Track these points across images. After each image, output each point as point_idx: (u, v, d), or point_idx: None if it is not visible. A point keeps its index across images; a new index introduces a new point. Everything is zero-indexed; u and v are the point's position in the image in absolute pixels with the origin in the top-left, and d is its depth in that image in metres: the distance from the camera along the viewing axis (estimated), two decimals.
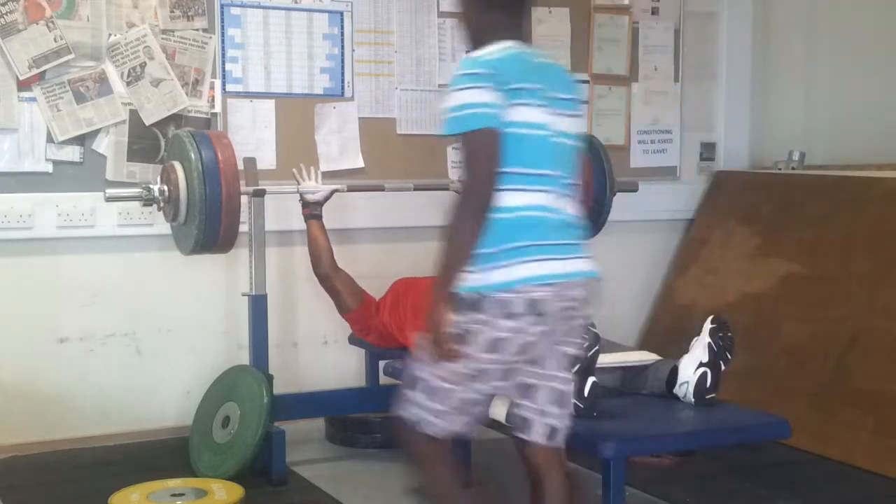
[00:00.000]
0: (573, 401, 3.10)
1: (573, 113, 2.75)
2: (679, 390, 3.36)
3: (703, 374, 3.32)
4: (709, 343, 3.34)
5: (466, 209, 2.55)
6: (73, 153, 4.53)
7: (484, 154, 2.55)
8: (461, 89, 2.57)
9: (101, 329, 4.64)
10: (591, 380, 3.14)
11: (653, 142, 5.72)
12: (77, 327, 4.60)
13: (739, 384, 4.36)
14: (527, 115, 2.60)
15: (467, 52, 2.78)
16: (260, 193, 4.34)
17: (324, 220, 4.43)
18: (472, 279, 2.58)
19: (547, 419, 2.75)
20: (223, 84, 4.77)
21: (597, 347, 3.16)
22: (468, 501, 2.84)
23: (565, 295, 2.65)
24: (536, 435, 2.77)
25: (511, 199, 2.60)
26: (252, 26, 4.82)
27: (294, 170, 4.47)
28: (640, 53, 5.64)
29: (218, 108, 4.76)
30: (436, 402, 2.67)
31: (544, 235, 2.64)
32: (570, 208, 2.73)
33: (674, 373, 3.38)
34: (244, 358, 4.49)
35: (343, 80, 5.00)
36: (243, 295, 4.39)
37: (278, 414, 4.26)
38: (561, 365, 2.74)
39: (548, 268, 2.62)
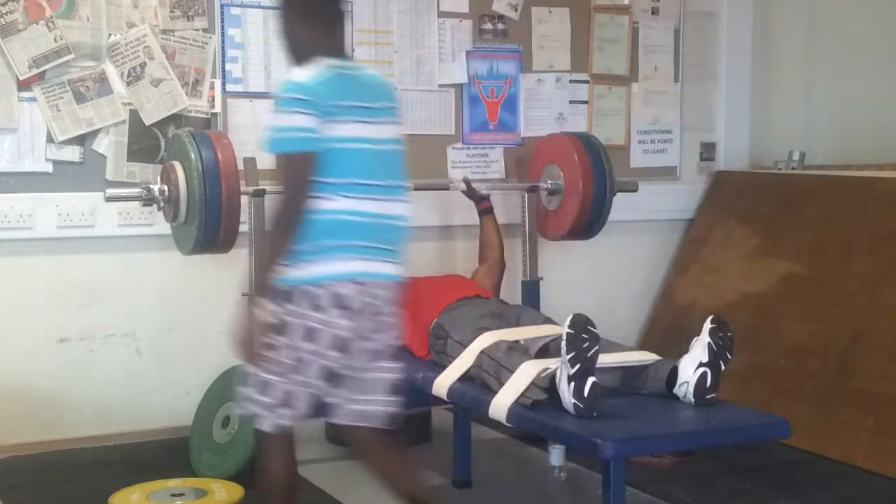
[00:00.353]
0: (573, 401, 3.12)
1: (393, 120, 2.98)
2: (679, 390, 3.36)
3: (703, 374, 3.31)
4: (709, 343, 3.34)
5: (282, 222, 2.84)
6: (73, 153, 4.53)
7: (298, 174, 2.82)
8: (284, 112, 2.82)
9: (101, 329, 4.64)
10: (591, 380, 3.13)
11: (653, 142, 5.72)
12: (77, 327, 4.60)
13: (739, 384, 4.36)
14: (346, 131, 2.85)
15: (290, 66, 3.00)
16: (260, 193, 4.34)
17: None
18: (286, 273, 2.84)
19: (361, 405, 2.96)
20: (223, 84, 4.77)
21: (597, 347, 3.16)
22: (293, 496, 3.01)
23: (370, 292, 2.87)
24: (345, 418, 2.97)
25: (329, 205, 2.85)
26: (252, 26, 4.82)
27: None
28: (640, 53, 5.64)
29: (218, 108, 4.76)
30: (265, 396, 2.88)
31: (354, 238, 2.88)
32: (394, 212, 2.95)
33: (674, 373, 3.38)
34: None
35: None
36: (243, 295, 4.39)
37: None
38: (374, 357, 2.95)
39: (353, 267, 2.85)
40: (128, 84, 4.57)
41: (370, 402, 2.99)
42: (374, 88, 2.99)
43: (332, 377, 2.93)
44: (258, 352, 2.83)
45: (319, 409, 2.97)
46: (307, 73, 2.88)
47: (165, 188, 4.07)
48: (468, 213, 4.87)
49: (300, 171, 2.82)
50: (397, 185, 2.99)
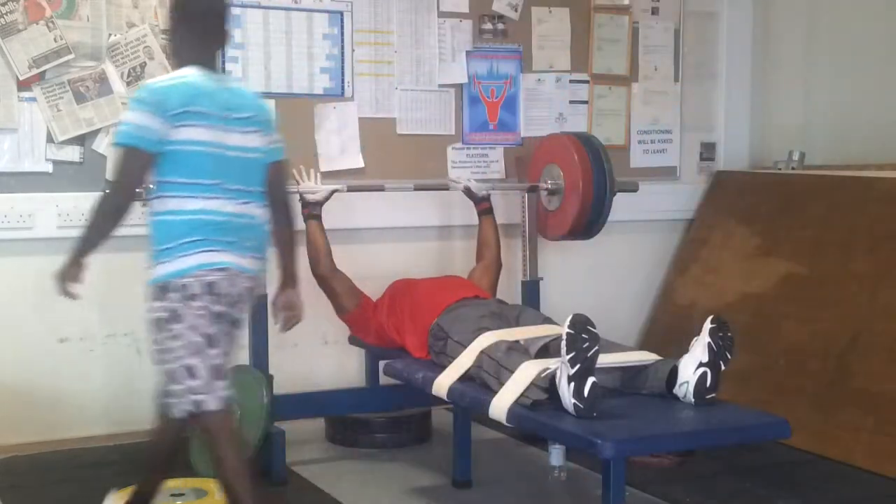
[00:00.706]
0: (573, 401, 3.13)
1: (251, 130, 3.19)
2: (679, 390, 3.36)
3: (703, 374, 3.32)
4: (709, 343, 3.34)
5: (103, 208, 3.09)
6: (73, 153, 4.53)
7: (127, 167, 3.08)
8: (130, 111, 3.11)
9: (101, 329, 4.64)
10: (590, 380, 3.14)
11: (653, 142, 5.72)
12: (77, 327, 4.60)
13: (739, 384, 4.36)
14: (194, 135, 3.08)
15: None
16: None
17: (324, 220, 4.43)
18: (158, 271, 3.08)
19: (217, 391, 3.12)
20: None
21: (597, 347, 3.16)
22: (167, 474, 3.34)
23: (236, 282, 3.11)
24: (211, 404, 3.10)
25: (184, 204, 3.08)
26: (252, 26, 4.82)
27: (294, 170, 4.47)
28: (640, 53, 5.64)
29: None
30: (198, 378, 3.08)
31: (214, 233, 3.10)
32: (248, 212, 3.17)
33: (674, 373, 3.38)
34: (244, 358, 4.49)
35: (343, 80, 5.00)
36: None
37: (278, 414, 4.26)
38: (232, 344, 3.18)
39: (217, 257, 3.08)
40: (128, 84, 4.57)
41: (226, 387, 3.16)
42: (235, 100, 3.19)
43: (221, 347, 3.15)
44: (69, 292, 3.13)
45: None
46: (161, 80, 3.19)
47: None
48: (468, 213, 4.87)
49: (131, 164, 3.07)
50: (251, 190, 3.21)
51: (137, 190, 3.16)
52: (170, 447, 3.34)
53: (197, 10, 3.24)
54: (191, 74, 3.15)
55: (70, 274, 3.12)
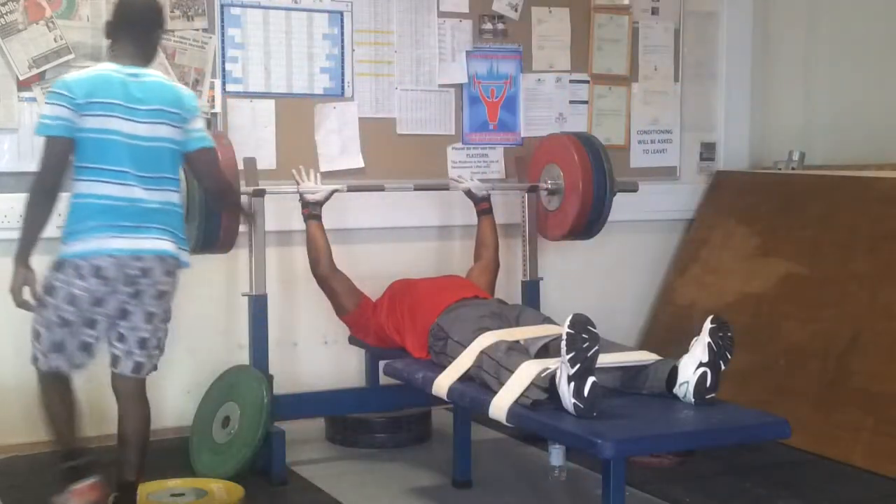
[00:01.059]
0: (573, 401, 3.13)
1: (155, 121, 3.41)
2: (679, 390, 3.36)
3: (703, 374, 3.32)
4: (709, 343, 3.34)
5: (33, 195, 3.37)
6: None
7: (50, 155, 3.35)
8: (47, 103, 3.37)
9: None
10: (590, 380, 3.13)
11: (653, 142, 5.72)
12: None
13: (739, 384, 4.36)
14: (99, 123, 3.34)
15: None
16: (260, 193, 4.34)
17: (324, 220, 4.43)
18: (62, 249, 3.38)
19: (134, 357, 3.49)
20: (223, 84, 4.78)
21: (597, 347, 3.16)
22: (71, 427, 3.60)
23: (128, 265, 3.36)
24: (125, 369, 3.51)
25: (87, 188, 3.37)
26: (252, 26, 4.83)
27: (294, 171, 4.48)
28: (640, 53, 5.64)
29: (218, 108, 4.77)
30: (38, 343, 3.48)
31: (115, 219, 3.37)
32: (155, 198, 3.41)
33: (674, 373, 3.38)
34: (244, 358, 4.50)
35: (343, 80, 5.00)
36: (243, 295, 4.40)
37: (278, 414, 4.26)
38: (142, 319, 3.46)
39: (110, 243, 3.35)
40: None
41: (137, 356, 3.50)
42: (144, 93, 3.42)
43: (116, 335, 3.48)
44: (26, 302, 3.41)
45: (88, 354, 3.50)
46: (75, 74, 3.46)
47: None
48: (467, 213, 4.87)
49: (51, 152, 3.35)
50: (160, 176, 3.44)
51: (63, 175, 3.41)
52: (52, 401, 3.58)
53: (125, 15, 3.54)
54: (103, 68, 3.44)
55: (18, 282, 3.38)
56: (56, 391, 3.56)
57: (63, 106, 3.32)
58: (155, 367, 3.59)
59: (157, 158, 3.44)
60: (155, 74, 3.54)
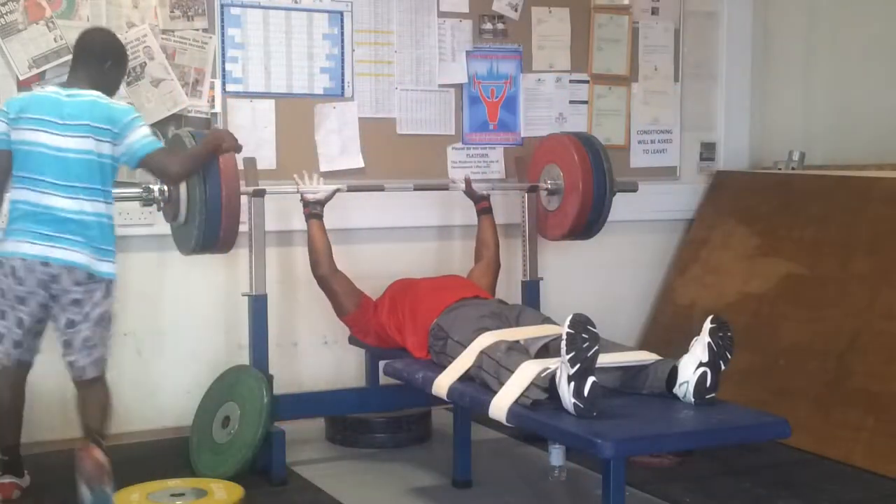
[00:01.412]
0: (573, 401, 3.13)
1: (81, 135, 3.71)
2: (679, 390, 3.36)
3: (703, 374, 3.32)
4: (709, 343, 3.34)
5: None
6: None
7: None
8: None
9: None
10: (590, 380, 3.13)
11: (653, 142, 5.72)
12: None
13: (739, 384, 4.36)
14: (27, 136, 3.72)
15: None
16: (260, 193, 4.34)
17: (324, 220, 4.43)
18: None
19: (76, 363, 3.79)
20: (223, 84, 4.78)
21: (597, 347, 3.16)
22: (13, 415, 3.96)
23: (37, 269, 3.67)
24: (72, 373, 3.82)
25: (16, 195, 3.74)
26: (252, 26, 4.83)
27: (295, 175, 4.47)
28: (640, 53, 5.64)
29: (218, 108, 4.77)
30: None
31: (32, 224, 3.69)
32: (73, 207, 3.69)
33: (674, 373, 3.38)
34: (244, 358, 4.50)
35: (343, 80, 5.00)
36: (243, 295, 4.40)
37: (278, 414, 4.26)
38: (65, 325, 3.75)
39: (22, 247, 3.68)
40: (128, 84, 4.56)
41: (80, 358, 3.79)
42: (78, 110, 3.74)
43: (64, 342, 3.78)
44: None
45: (22, 351, 3.84)
46: (18, 95, 3.99)
47: (165, 188, 4.07)
48: (467, 213, 4.88)
49: None
50: (83, 186, 3.71)
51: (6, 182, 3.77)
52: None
53: (83, 48, 3.92)
54: (42, 90, 3.91)
55: None
56: (6, 384, 3.90)
57: (3, 122, 3.75)
58: (101, 369, 3.87)
59: (84, 170, 3.73)
60: (91, 94, 3.81)
